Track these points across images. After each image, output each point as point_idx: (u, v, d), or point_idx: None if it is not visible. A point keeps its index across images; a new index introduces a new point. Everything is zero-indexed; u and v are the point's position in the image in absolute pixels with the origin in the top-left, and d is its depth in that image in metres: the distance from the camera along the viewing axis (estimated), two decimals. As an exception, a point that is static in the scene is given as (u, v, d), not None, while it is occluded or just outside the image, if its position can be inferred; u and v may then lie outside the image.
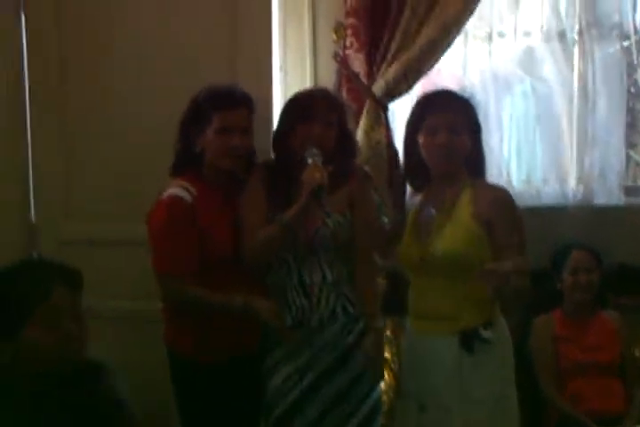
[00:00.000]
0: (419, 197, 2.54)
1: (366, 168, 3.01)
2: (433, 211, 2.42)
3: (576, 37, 3.55)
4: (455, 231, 2.35)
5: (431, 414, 2.38)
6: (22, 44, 3.06)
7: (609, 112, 3.59)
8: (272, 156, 2.63)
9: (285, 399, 2.48)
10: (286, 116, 2.54)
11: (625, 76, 3.60)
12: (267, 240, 2.44)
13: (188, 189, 2.44)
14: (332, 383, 2.49)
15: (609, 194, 3.62)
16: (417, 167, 2.46)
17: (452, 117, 2.37)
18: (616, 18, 3.57)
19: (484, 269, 2.11)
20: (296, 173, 2.44)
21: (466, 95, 2.51)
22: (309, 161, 2.41)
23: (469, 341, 2.34)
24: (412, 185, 2.54)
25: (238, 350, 2.50)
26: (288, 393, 2.48)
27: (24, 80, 3.08)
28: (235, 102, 2.47)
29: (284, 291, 2.51)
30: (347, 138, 2.60)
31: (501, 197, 2.40)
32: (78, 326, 1.96)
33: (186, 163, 2.53)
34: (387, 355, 3.18)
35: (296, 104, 2.54)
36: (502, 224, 2.31)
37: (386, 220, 2.61)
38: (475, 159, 2.45)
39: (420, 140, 2.40)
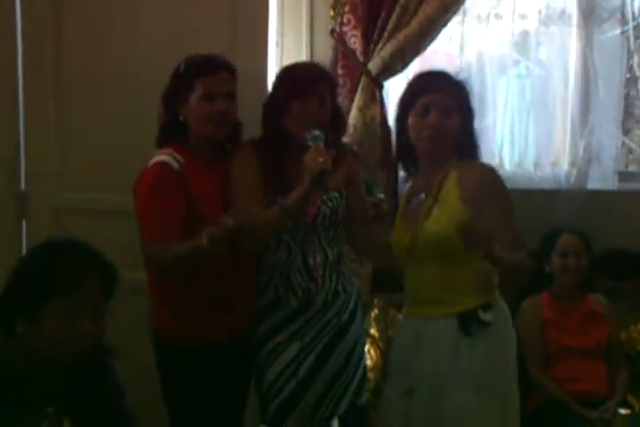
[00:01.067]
0: (409, 184, 2.53)
1: (355, 146, 3.03)
2: (422, 196, 2.39)
3: (574, 21, 3.55)
4: (443, 214, 2.30)
5: (421, 398, 2.33)
6: (16, 16, 3.03)
7: (605, 97, 3.60)
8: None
9: (288, 385, 2.45)
10: (279, 91, 2.47)
11: (625, 60, 3.61)
12: (265, 224, 2.37)
13: (174, 157, 2.39)
14: (330, 363, 2.48)
15: (602, 179, 3.64)
16: (407, 148, 2.44)
17: (444, 99, 2.33)
18: (615, 2, 3.58)
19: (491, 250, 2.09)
20: (292, 152, 2.40)
21: (460, 77, 2.47)
22: (311, 144, 2.33)
23: (468, 323, 2.28)
24: (403, 167, 2.54)
25: (229, 334, 2.45)
26: (290, 379, 2.45)
27: (17, 52, 3.04)
28: (216, 67, 2.43)
29: (287, 273, 2.45)
30: (338, 113, 2.57)
31: (486, 175, 2.35)
32: (95, 328, 1.89)
33: (170, 134, 2.48)
34: (374, 332, 3.21)
35: (289, 79, 2.46)
36: (490, 203, 2.25)
37: (382, 196, 2.60)
38: (465, 143, 2.40)
39: (410, 120, 2.37)
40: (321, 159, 2.28)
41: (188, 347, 2.42)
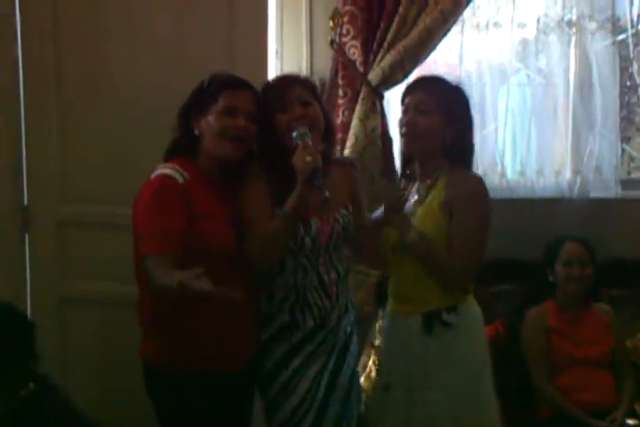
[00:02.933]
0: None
1: (352, 158, 3.04)
2: (415, 197, 2.44)
3: (573, 29, 3.55)
4: (424, 218, 2.36)
5: (394, 394, 2.40)
6: (16, 22, 3.05)
7: (604, 105, 3.59)
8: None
9: (311, 410, 2.38)
10: (262, 110, 2.38)
11: (618, 69, 3.59)
12: (272, 236, 2.29)
13: (179, 171, 2.29)
14: (342, 378, 2.45)
15: (604, 187, 3.62)
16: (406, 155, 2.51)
17: (422, 97, 2.37)
18: (613, 11, 3.57)
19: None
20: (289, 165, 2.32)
21: (455, 82, 2.48)
22: (298, 142, 2.28)
23: (430, 322, 2.35)
24: (402, 173, 2.57)
25: (227, 365, 2.37)
26: (312, 403, 2.38)
27: (18, 63, 3.06)
28: (243, 83, 2.36)
29: (303, 293, 2.39)
30: (327, 119, 2.48)
31: (469, 187, 2.37)
32: None
33: (181, 149, 2.39)
34: (379, 343, 3.19)
35: (266, 95, 2.40)
36: (460, 213, 2.31)
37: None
38: (458, 149, 2.40)
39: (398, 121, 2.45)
40: (309, 158, 2.23)
41: (184, 379, 2.32)
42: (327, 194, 2.28)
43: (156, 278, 2.11)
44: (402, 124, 2.40)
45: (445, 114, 2.36)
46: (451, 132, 2.37)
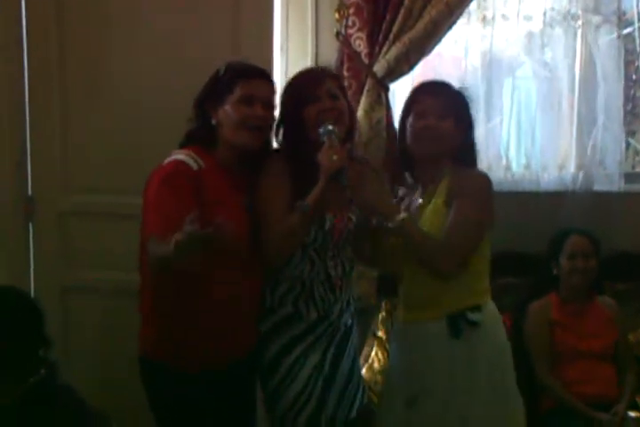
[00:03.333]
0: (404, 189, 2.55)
1: (362, 152, 3.04)
2: (419, 201, 2.43)
3: (579, 23, 3.53)
4: (432, 219, 2.36)
5: (425, 403, 2.34)
6: (22, 18, 3.05)
7: (609, 98, 3.58)
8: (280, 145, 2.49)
9: (311, 400, 2.39)
10: (289, 103, 2.40)
11: (623, 63, 3.57)
12: (289, 231, 2.29)
13: (194, 158, 2.27)
14: (342, 368, 2.47)
15: (609, 180, 3.61)
16: (405, 153, 2.49)
17: (440, 103, 2.39)
18: (619, 4, 3.55)
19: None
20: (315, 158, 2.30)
21: (460, 88, 2.53)
22: (325, 139, 2.27)
23: (456, 323, 2.31)
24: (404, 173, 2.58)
25: (226, 357, 2.36)
26: (312, 393, 2.39)
27: (23, 57, 3.07)
28: (258, 72, 2.36)
29: (309, 285, 2.40)
30: (351, 118, 2.50)
31: (470, 180, 2.39)
32: None
33: (196, 139, 2.37)
34: (381, 335, 3.20)
35: (296, 87, 2.42)
36: (458, 202, 2.31)
37: None
38: (462, 150, 2.44)
39: (408, 124, 2.42)
40: (335, 157, 2.22)
41: (184, 372, 2.31)
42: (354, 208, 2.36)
43: (155, 253, 2.08)
44: (420, 127, 2.38)
45: (457, 117, 2.41)
46: (461, 137, 2.42)
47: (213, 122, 2.34)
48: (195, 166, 2.25)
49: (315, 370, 2.40)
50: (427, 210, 2.38)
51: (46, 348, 2.04)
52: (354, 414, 2.51)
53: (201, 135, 2.37)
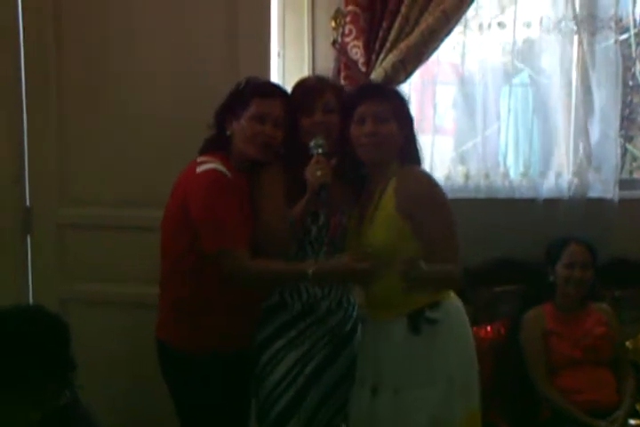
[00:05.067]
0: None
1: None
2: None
3: (575, 29, 3.53)
4: (382, 222, 2.38)
5: (382, 398, 2.40)
6: (19, 24, 3.04)
7: (606, 104, 3.58)
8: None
9: (287, 394, 2.44)
10: (289, 111, 2.47)
11: (620, 69, 3.57)
12: (280, 238, 2.39)
13: (222, 166, 2.40)
14: (330, 373, 2.49)
15: (604, 187, 3.61)
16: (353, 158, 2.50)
17: (378, 106, 2.40)
18: (616, 10, 3.55)
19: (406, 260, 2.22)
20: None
21: (394, 87, 2.61)
22: (314, 152, 2.36)
23: (416, 321, 2.35)
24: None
25: (236, 345, 2.47)
26: (290, 385, 2.44)
27: (20, 64, 3.05)
28: (274, 92, 2.48)
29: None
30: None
31: (419, 185, 2.40)
32: None
33: (213, 147, 2.50)
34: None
35: (294, 95, 2.50)
36: (422, 214, 2.33)
37: None
38: (407, 150, 2.46)
39: (351, 130, 2.43)
40: (319, 172, 2.30)
41: (196, 357, 2.43)
42: (328, 211, 2.43)
43: (277, 271, 2.36)
44: (361, 133, 2.40)
45: (398, 119, 2.43)
46: (403, 136, 2.44)
47: (228, 133, 2.47)
48: (229, 174, 2.39)
49: (294, 366, 2.45)
50: (377, 214, 2.40)
51: (72, 369, 2.02)
52: (337, 422, 2.55)
53: (216, 143, 2.49)
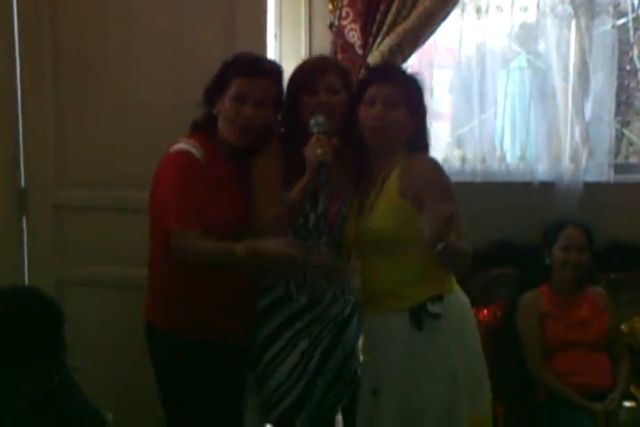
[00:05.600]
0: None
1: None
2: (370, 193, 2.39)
3: (573, 13, 3.52)
4: (384, 208, 2.32)
5: (384, 396, 2.33)
6: (13, 13, 3.03)
7: (602, 89, 3.58)
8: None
9: (298, 384, 2.42)
10: (290, 87, 2.43)
11: (616, 53, 3.57)
12: (276, 222, 2.33)
13: (197, 148, 2.33)
14: (335, 357, 2.48)
15: (599, 171, 3.62)
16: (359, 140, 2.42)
17: (390, 90, 2.33)
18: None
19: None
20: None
21: (413, 73, 2.48)
22: (314, 131, 2.29)
23: (418, 317, 2.28)
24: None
25: (226, 333, 2.41)
26: (299, 378, 2.42)
27: (15, 48, 3.04)
28: (257, 71, 2.35)
29: (302, 271, 2.42)
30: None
31: (425, 170, 2.32)
32: None
33: (200, 126, 2.44)
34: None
35: (297, 73, 2.44)
36: (429, 198, 2.19)
37: None
38: (416, 139, 2.39)
39: (360, 110, 2.36)
40: (319, 150, 2.24)
41: (186, 342, 2.39)
42: (327, 197, 2.37)
43: (215, 251, 2.28)
44: (369, 115, 2.32)
45: (409, 106, 2.35)
46: (413, 124, 2.37)
47: (214, 111, 2.40)
48: (198, 155, 2.32)
49: (303, 357, 2.42)
50: (380, 201, 2.34)
51: (64, 352, 2.01)
52: (344, 402, 2.54)
53: (204, 122, 2.43)
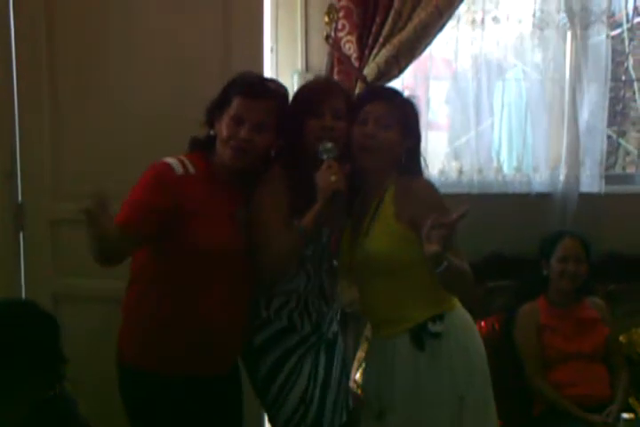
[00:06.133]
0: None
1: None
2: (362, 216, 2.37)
3: (568, 24, 3.54)
4: (380, 232, 2.29)
5: (390, 419, 2.31)
6: (9, 14, 3.03)
7: (596, 100, 3.58)
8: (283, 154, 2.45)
9: (311, 407, 2.39)
10: (293, 110, 2.37)
11: (609, 64, 3.56)
12: (287, 251, 2.28)
13: (184, 164, 2.27)
14: (334, 374, 2.47)
15: (595, 182, 3.61)
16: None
17: (384, 110, 2.32)
18: (608, 5, 3.55)
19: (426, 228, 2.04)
20: (312, 170, 2.29)
21: (409, 96, 2.46)
22: (324, 157, 2.25)
23: (419, 337, 2.26)
24: None
25: (206, 369, 2.34)
26: (311, 401, 2.39)
27: (12, 59, 3.03)
28: (259, 92, 2.28)
29: (304, 299, 2.40)
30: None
31: (421, 193, 2.28)
32: None
33: (197, 145, 2.38)
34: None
35: (301, 97, 2.40)
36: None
37: None
38: (407, 160, 2.36)
39: (353, 130, 2.34)
40: (333, 177, 2.19)
41: (160, 376, 2.30)
42: (330, 228, 2.34)
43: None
44: (360, 134, 2.31)
45: (403, 128, 2.33)
46: (405, 146, 2.34)
47: (212, 132, 2.34)
48: (179, 171, 2.25)
49: (310, 378, 2.40)
50: (375, 225, 2.31)
51: (62, 363, 2.01)
52: (345, 418, 2.51)
53: (204, 142, 2.36)
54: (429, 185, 2.35)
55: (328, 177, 2.20)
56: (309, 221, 2.23)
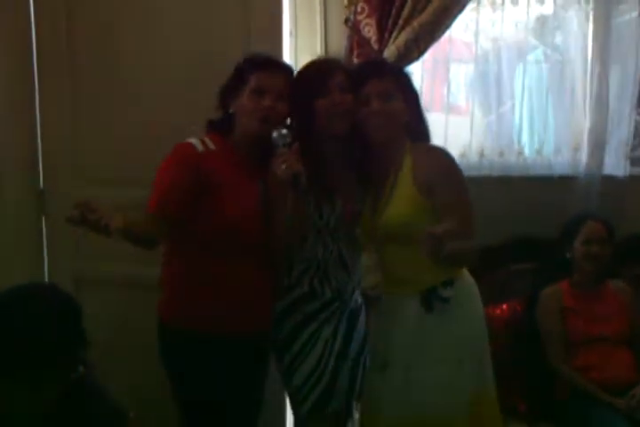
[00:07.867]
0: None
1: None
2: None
3: (591, 4, 3.50)
4: (401, 199, 2.38)
5: (392, 372, 2.43)
6: (30, 6, 3.04)
7: (621, 81, 3.55)
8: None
9: (325, 373, 2.47)
10: (299, 93, 2.41)
11: (638, 45, 3.52)
12: (284, 231, 2.38)
13: (204, 142, 2.39)
14: (353, 342, 2.54)
15: (616, 164, 3.59)
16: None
17: (381, 84, 2.39)
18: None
19: (422, 234, 2.12)
20: (332, 148, 2.44)
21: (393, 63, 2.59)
22: (280, 143, 2.31)
23: (429, 300, 2.38)
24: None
25: (244, 326, 2.43)
26: (326, 366, 2.48)
27: (32, 43, 3.06)
28: (274, 65, 2.44)
29: (325, 265, 2.48)
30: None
31: (438, 161, 2.39)
32: None
33: (216, 126, 2.48)
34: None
35: (306, 77, 2.46)
36: (442, 188, 2.32)
37: None
38: (414, 125, 2.46)
39: (359, 112, 2.40)
40: (284, 165, 2.25)
41: (200, 338, 2.40)
42: (343, 199, 2.43)
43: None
44: (369, 114, 2.38)
45: (403, 94, 2.42)
46: (410, 113, 2.43)
47: (231, 110, 2.44)
48: (200, 148, 2.37)
49: (327, 344, 2.48)
50: (394, 193, 2.40)
51: (85, 347, 2.02)
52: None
53: (220, 123, 2.47)
54: (444, 153, 2.44)
55: (280, 165, 2.25)
56: (289, 211, 2.29)
